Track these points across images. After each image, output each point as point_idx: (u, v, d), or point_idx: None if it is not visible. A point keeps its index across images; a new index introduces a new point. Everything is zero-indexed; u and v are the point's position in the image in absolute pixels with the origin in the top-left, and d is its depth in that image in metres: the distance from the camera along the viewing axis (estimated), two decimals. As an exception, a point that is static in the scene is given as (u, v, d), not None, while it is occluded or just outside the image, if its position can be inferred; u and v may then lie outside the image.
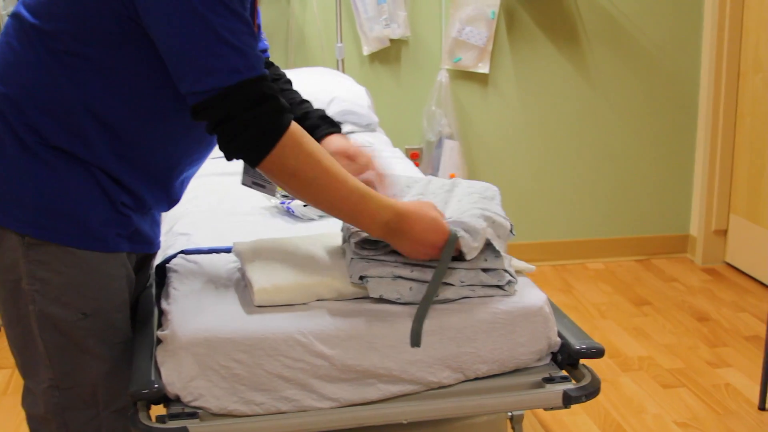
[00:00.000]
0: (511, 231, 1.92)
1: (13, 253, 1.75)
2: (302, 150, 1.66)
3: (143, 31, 1.65)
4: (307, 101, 2.11)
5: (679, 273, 4.41)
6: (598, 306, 3.99)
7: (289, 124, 1.66)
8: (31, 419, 1.93)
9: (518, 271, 1.96)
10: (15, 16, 1.75)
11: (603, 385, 3.24)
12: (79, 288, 1.77)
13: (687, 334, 3.70)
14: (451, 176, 4.12)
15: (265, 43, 2.18)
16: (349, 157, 1.98)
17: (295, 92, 2.14)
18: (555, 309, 1.92)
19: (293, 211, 2.41)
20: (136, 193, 1.82)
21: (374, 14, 4.04)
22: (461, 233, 1.75)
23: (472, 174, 4.32)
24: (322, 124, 2.05)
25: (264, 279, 1.81)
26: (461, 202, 1.93)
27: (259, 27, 2.10)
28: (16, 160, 1.72)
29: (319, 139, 2.00)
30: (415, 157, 4.28)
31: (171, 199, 1.95)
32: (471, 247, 1.75)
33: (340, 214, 1.74)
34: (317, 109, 2.09)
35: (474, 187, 2.02)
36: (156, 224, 1.98)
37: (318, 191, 1.70)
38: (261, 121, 1.63)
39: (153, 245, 1.96)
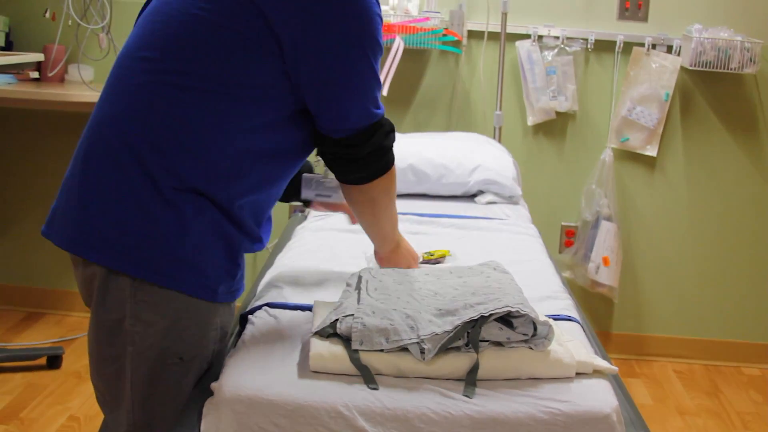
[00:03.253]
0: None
1: (121, 292, 1.76)
2: (393, 181, 1.99)
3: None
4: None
5: (842, 391, 4.08)
6: (743, 415, 3.72)
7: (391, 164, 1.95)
8: None
9: (597, 371, 1.83)
10: (141, 59, 1.79)
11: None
12: (181, 332, 1.79)
13: (835, 460, 3.41)
14: (605, 259, 3.97)
15: None
16: None
17: None
18: (635, 417, 1.79)
19: None
20: (252, 233, 1.88)
21: (542, 85, 3.96)
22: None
23: (627, 259, 4.15)
24: None
25: (323, 345, 1.76)
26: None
27: None
28: (144, 203, 1.73)
29: None
30: (570, 234, 4.15)
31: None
32: None
33: (382, 228, 2.14)
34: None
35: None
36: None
37: (381, 216, 2.07)
38: (386, 151, 1.90)
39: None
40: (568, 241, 4.16)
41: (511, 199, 3.34)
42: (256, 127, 1.78)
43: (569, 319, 2.12)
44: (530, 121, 4.02)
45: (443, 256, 2.48)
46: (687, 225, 4.19)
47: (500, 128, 3.93)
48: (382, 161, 1.90)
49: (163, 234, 1.73)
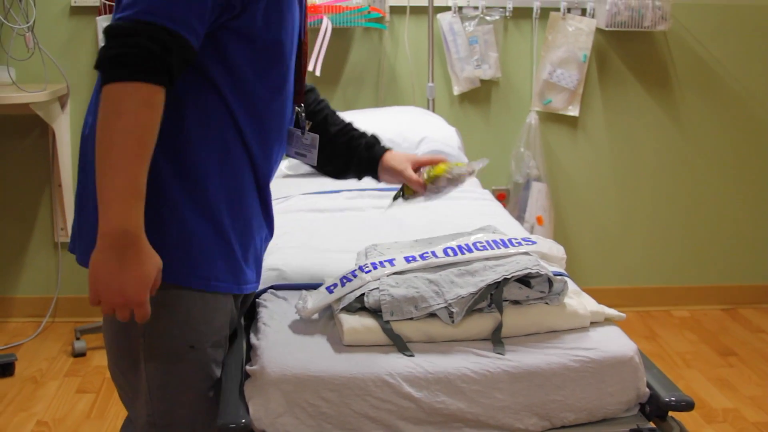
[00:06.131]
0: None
1: None
2: (140, 111, 1.56)
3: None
4: (353, 124, 2.21)
5: (766, 324, 4.31)
6: (683, 355, 3.92)
7: (159, 82, 1.57)
8: None
9: (608, 319, 1.95)
10: None
11: (687, 437, 3.19)
12: (189, 321, 1.79)
13: (774, 388, 3.62)
14: (539, 219, 4.10)
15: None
16: (416, 164, 2.10)
17: (340, 117, 2.21)
18: (644, 359, 1.91)
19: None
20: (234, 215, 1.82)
21: (466, 54, 4.06)
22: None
23: (558, 216, 4.30)
24: (378, 145, 2.16)
25: (353, 318, 1.83)
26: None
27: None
28: None
29: (379, 156, 2.13)
30: (501, 198, 4.27)
31: (269, 215, 1.96)
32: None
33: (99, 187, 1.57)
34: (370, 133, 2.19)
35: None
36: (258, 262, 1.96)
37: (106, 151, 1.56)
38: (145, 54, 1.55)
39: (252, 284, 1.94)
40: (502, 205, 4.27)
41: (457, 168, 3.43)
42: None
43: (560, 274, 2.22)
44: (456, 90, 4.12)
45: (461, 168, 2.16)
46: (610, 179, 4.36)
47: (434, 99, 4.02)
48: (101, 62, 1.57)
49: (148, 229, 1.67)
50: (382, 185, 3.11)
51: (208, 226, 1.77)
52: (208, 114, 1.73)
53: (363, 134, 2.18)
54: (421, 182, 2.07)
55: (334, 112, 2.20)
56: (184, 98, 1.71)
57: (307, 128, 2.05)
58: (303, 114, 2.03)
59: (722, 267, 4.52)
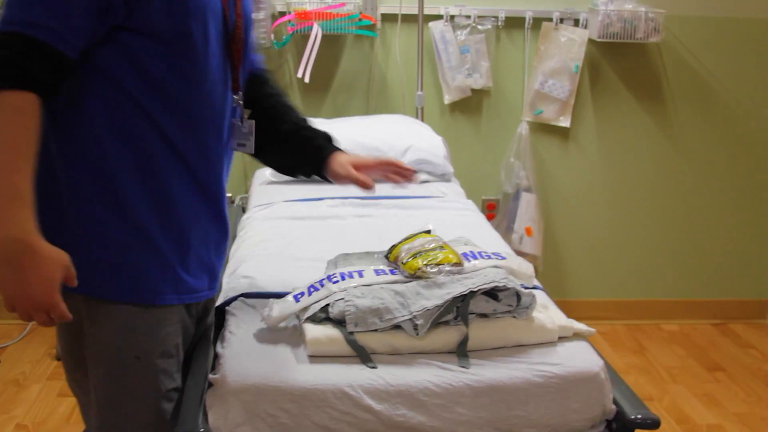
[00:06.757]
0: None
1: (74, 299, 1.71)
2: (9, 119, 1.54)
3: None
4: (308, 121, 2.14)
5: (755, 339, 4.29)
6: (670, 369, 3.90)
7: (24, 88, 1.56)
8: None
9: (577, 334, 1.93)
10: None
11: (668, 453, 3.17)
12: (133, 331, 1.76)
13: (760, 404, 3.59)
14: (528, 230, 4.08)
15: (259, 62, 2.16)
16: (359, 167, 2.05)
17: (296, 112, 2.15)
18: (613, 375, 1.89)
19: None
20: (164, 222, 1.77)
21: (457, 63, 4.04)
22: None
23: (548, 228, 4.28)
24: (326, 146, 2.09)
25: (317, 329, 1.81)
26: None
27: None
28: (56, 215, 1.70)
29: (325, 158, 2.06)
30: (491, 208, 4.25)
31: (219, 211, 1.91)
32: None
33: None
34: (323, 131, 2.13)
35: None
36: (209, 269, 1.91)
37: None
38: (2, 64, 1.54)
39: (202, 293, 1.90)
40: (489, 215, 4.26)
41: (443, 177, 3.42)
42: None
43: (535, 287, 2.21)
44: (447, 99, 4.10)
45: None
46: (601, 190, 4.34)
47: (422, 108, 4.00)
48: None
49: (76, 245, 1.67)
50: (365, 193, 3.12)
51: (134, 238, 1.73)
52: (121, 121, 1.69)
53: (314, 135, 2.11)
54: (369, 182, 2.01)
55: (287, 107, 2.13)
56: (94, 108, 1.68)
57: (245, 117, 1.97)
58: (241, 102, 1.94)
59: (713, 281, 4.49)
